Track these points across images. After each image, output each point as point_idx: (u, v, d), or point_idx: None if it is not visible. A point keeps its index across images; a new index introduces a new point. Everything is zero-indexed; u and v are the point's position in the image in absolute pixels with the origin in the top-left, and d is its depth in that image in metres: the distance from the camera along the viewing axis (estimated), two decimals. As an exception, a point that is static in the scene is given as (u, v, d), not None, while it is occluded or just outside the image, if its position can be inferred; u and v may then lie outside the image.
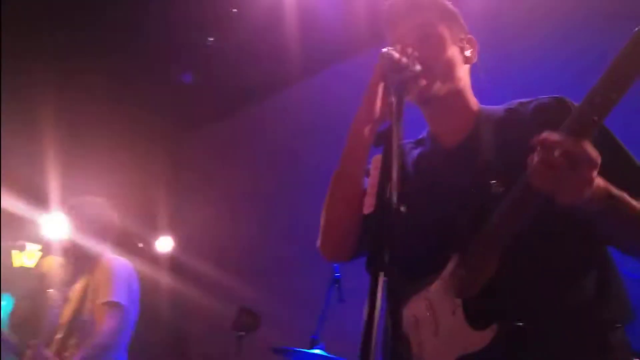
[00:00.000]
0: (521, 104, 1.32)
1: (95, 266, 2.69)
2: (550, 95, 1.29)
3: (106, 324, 2.47)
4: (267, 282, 5.58)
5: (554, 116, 1.18)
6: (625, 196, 1.05)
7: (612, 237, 1.16)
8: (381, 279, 0.76)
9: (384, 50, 1.05)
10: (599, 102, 0.91)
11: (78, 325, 2.57)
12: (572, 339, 1.09)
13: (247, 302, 4.92)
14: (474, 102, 1.36)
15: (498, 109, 1.34)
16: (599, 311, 1.12)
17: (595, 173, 0.94)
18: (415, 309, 1.21)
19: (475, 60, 1.36)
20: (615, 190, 1.03)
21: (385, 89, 1.01)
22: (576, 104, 1.21)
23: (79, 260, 2.78)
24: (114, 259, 2.74)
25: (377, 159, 1.35)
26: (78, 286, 2.75)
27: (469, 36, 1.37)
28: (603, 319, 1.12)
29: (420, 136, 1.45)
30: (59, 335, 2.60)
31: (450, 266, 1.17)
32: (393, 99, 0.96)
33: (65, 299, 2.75)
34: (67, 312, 2.67)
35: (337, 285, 3.28)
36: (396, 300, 1.30)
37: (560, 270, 1.13)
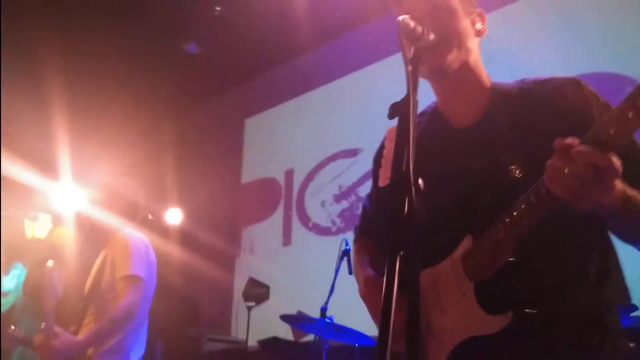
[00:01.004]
0: (536, 82, 1.26)
1: (112, 241, 2.68)
2: (567, 77, 1.24)
3: (125, 298, 2.46)
4: (276, 252, 5.63)
5: (572, 103, 1.17)
6: (638, 195, 1.03)
7: (618, 231, 1.15)
8: (399, 255, 0.73)
9: (400, 18, 1.00)
10: (633, 115, 0.86)
11: (96, 298, 2.58)
12: (576, 326, 1.09)
13: (256, 273, 4.98)
14: (486, 76, 1.31)
15: (511, 86, 1.29)
16: (601, 296, 1.13)
17: (617, 181, 0.93)
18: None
19: (485, 33, 1.32)
20: (630, 191, 1.01)
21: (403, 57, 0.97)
22: (596, 94, 1.19)
23: (95, 234, 2.78)
24: (131, 233, 2.72)
25: (392, 131, 1.31)
26: (96, 260, 2.76)
27: (479, 9, 1.33)
28: (603, 302, 1.13)
29: (420, 111, 1.40)
30: (77, 308, 2.61)
31: (462, 247, 1.16)
32: (409, 68, 0.92)
33: (74, 273, 2.76)
34: (86, 287, 2.68)
35: (347, 257, 3.28)
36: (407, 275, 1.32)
37: (569, 258, 1.13)
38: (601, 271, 1.14)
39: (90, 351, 2.45)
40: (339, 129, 5.39)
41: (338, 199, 5.22)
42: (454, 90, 1.29)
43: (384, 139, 1.37)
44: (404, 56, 0.95)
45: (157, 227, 5.30)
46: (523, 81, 1.30)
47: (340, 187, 5.25)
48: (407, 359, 0.68)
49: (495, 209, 1.09)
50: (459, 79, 1.27)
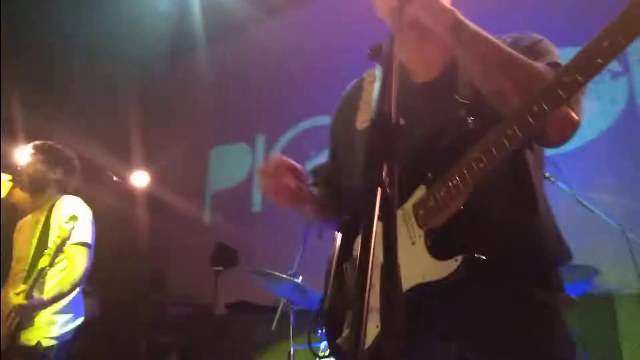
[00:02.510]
0: (500, 37, 1.26)
1: (55, 206, 2.79)
2: (528, 34, 1.24)
3: (81, 264, 2.63)
4: (245, 217, 5.58)
5: (527, 50, 1.16)
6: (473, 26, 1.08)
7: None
8: (379, 194, 0.70)
9: None
10: (606, 45, 0.85)
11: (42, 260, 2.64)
12: (522, 281, 1.13)
13: (225, 237, 4.93)
14: None
15: None
16: (547, 255, 1.17)
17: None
18: None
19: None
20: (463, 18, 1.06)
21: None
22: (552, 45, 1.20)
23: (37, 196, 2.89)
24: (73, 199, 2.85)
25: (371, 73, 1.27)
26: (35, 221, 2.83)
27: None
28: (548, 261, 1.17)
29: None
30: (21, 274, 2.66)
31: (415, 197, 1.16)
32: (396, 4, 0.88)
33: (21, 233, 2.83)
34: (24, 248, 2.75)
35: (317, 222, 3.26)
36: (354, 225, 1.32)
37: (518, 212, 1.16)
38: (545, 228, 1.18)
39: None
40: (311, 93, 5.31)
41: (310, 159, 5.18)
42: (420, 44, 1.26)
43: (360, 81, 1.34)
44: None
45: (122, 190, 5.18)
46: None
47: (312, 152, 5.21)
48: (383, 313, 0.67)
49: (451, 159, 1.09)
50: (428, 33, 1.23)
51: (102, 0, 5.32)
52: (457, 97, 1.17)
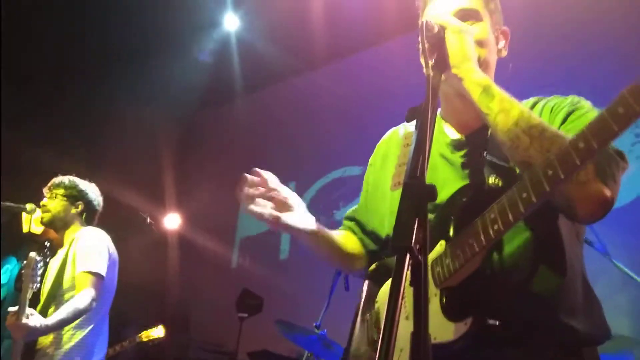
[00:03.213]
0: (540, 98, 1.26)
1: (73, 239, 2.81)
2: (569, 97, 1.22)
3: (89, 292, 2.59)
4: (273, 264, 5.57)
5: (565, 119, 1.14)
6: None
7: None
8: (407, 258, 0.71)
9: (425, 20, 0.99)
10: (622, 112, 0.83)
11: (57, 295, 2.69)
12: (548, 350, 1.06)
13: (251, 283, 4.91)
14: None
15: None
16: (576, 324, 1.08)
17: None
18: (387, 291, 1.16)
19: (505, 54, 1.30)
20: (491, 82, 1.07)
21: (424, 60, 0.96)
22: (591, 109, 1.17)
23: (61, 232, 2.92)
24: (90, 230, 2.87)
25: (408, 136, 1.29)
26: (57, 258, 2.86)
27: (504, 27, 1.32)
28: (576, 331, 1.08)
29: None
30: (39, 306, 2.69)
31: (434, 253, 1.13)
32: (430, 73, 0.90)
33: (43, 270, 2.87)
34: (47, 284, 2.78)
35: (343, 273, 3.23)
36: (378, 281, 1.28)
37: (543, 277, 1.10)
38: (575, 297, 1.10)
39: (51, 349, 2.58)
40: (344, 143, 5.37)
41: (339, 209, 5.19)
42: (461, 105, 1.26)
43: (395, 132, 1.36)
44: (425, 60, 0.93)
45: (154, 231, 5.27)
46: (527, 101, 1.28)
47: (340, 202, 5.22)
48: None
49: (471, 215, 1.06)
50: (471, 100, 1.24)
51: (145, 49, 5.59)
52: (485, 155, 1.15)
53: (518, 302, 1.07)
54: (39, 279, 2.59)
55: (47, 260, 2.90)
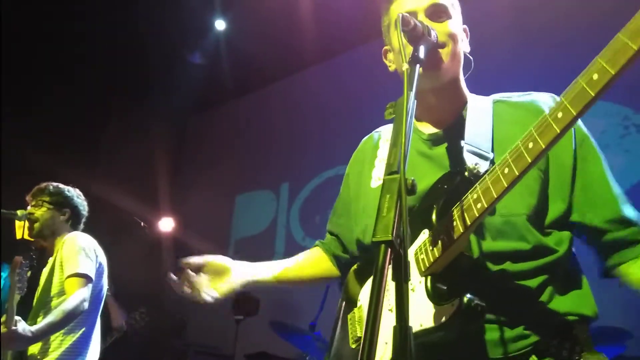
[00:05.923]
0: (514, 94, 1.29)
1: (60, 245, 2.78)
2: (546, 93, 1.25)
3: (78, 295, 2.55)
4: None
5: (544, 105, 1.17)
6: None
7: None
8: (389, 251, 0.71)
9: (401, 14, 0.99)
10: (597, 78, 0.84)
11: (46, 302, 2.65)
12: (543, 332, 1.07)
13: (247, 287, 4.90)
14: (465, 91, 1.31)
15: (486, 100, 1.30)
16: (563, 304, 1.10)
17: None
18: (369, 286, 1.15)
19: (468, 50, 1.33)
20: None
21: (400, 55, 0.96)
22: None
23: (50, 240, 2.87)
24: (76, 234, 2.83)
25: (389, 131, 1.29)
26: (47, 266, 2.82)
27: (464, 26, 1.34)
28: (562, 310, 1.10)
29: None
30: (29, 316, 2.65)
31: (417, 242, 1.13)
32: (406, 67, 0.90)
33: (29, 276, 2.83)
34: (36, 293, 2.74)
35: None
36: (360, 278, 1.30)
37: (518, 254, 1.11)
38: (562, 275, 1.12)
39: (40, 356, 2.53)
40: (336, 142, 5.38)
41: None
42: (435, 103, 1.27)
43: (368, 139, 1.38)
44: (402, 54, 0.94)
45: (149, 235, 5.25)
46: (501, 95, 1.31)
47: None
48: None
49: (452, 202, 1.06)
50: (442, 94, 1.25)
51: (137, 50, 5.57)
52: (463, 145, 1.16)
53: (504, 282, 1.08)
54: (26, 283, 2.56)
55: (34, 263, 2.87)
